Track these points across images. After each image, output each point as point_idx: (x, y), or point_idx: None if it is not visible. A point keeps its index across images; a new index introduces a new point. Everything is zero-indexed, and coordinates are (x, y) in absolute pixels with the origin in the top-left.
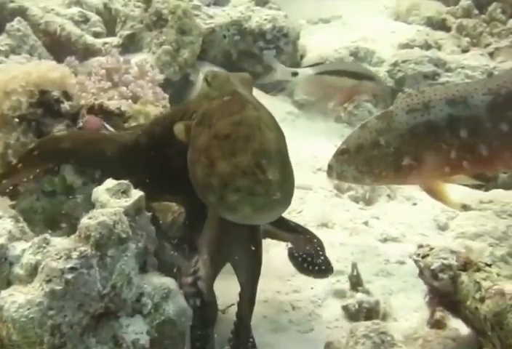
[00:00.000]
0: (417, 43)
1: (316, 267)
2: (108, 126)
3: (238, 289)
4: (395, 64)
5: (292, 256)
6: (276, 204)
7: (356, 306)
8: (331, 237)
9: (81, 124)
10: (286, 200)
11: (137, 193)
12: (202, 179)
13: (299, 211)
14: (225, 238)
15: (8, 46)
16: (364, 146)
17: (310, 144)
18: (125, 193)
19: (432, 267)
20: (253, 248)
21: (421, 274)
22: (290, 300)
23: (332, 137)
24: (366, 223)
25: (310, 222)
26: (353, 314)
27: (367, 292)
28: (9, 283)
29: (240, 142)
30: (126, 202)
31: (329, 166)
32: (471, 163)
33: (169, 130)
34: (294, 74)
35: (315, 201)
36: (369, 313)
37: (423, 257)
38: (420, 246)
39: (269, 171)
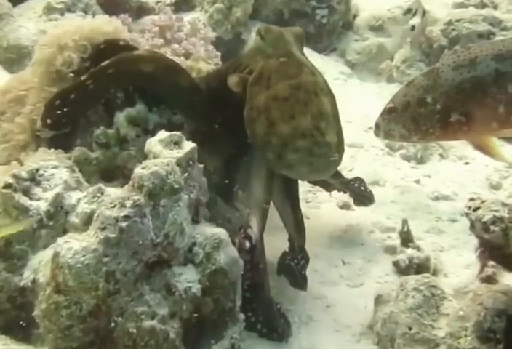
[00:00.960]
0: (471, 2)
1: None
2: None
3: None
4: (449, 23)
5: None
6: (332, 164)
7: (407, 261)
8: (382, 194)
9: None
10: (340, 159)
11: (189, 145)
12: (262, 137)
13: (350, 169)
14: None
15: (63, 4)
16: (411, 104)
17: (362, 103)
18: (177, 144)
19: (483, 220)
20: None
21: (472, 227)
22: (340, 255)
23: (384, 97)
24: (417, 181)
25: None
26: (404, 269)
27: (418, 248)
28: (64, 232)
29: (299, 106)
30: (179, 153)
31: (376, 125)
32: None
33: (223, 81)
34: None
35: (366, 159)
36: (420, 268)
37: (474, 209)
38: (471, 199)
39: (327, 134)
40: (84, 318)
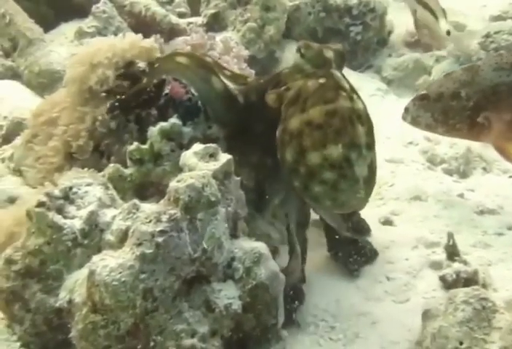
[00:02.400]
0: (509, 14)
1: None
2: (193, 90)
3: None
4: (487, 35)
5: None
6: (357, 201)
7: (454, 276)
8: (424, 209)
9: (166, 91)
10: (368, 197)
11: (225, 157)
12: (290, 164)
13: (390, 184)
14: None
15: (94, 28)
16: (445, 95)
17: (400, 119)
18: (213, 156)
19: None
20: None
21: None
22: (384, 271)
23: None
24: (461, 195)
25: (403, 195)
26: (451, 284)
27: (464, 262)
28: (100, 250)
29: (331, 134)
30: (215, 165)
31: (406, 109)
32: None
33: (261, 95)
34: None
35: (407, 174)
36: (468, 282)
37: None
38: None
39: (356, 166)
40: (123, 338)
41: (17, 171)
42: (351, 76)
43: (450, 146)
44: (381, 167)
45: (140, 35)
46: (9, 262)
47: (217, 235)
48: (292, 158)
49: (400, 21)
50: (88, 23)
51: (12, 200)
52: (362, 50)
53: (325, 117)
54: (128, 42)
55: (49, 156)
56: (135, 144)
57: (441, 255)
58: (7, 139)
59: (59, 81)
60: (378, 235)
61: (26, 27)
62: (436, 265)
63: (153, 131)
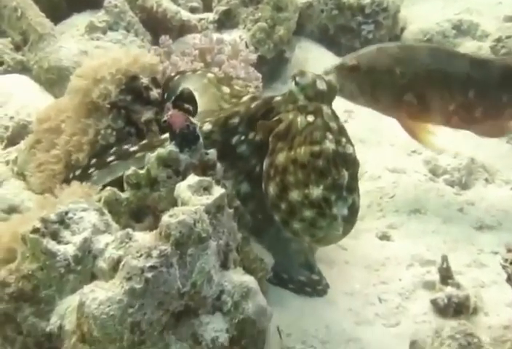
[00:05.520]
0: None
1: None
2: (193, 120)
3: None
4: (498, 40)
5: None
6: (335, 238)
7: (445, 300)
8: (423, 224)
9: (165, 118)
10: (347, 233)
11: (218, 191)
12: (273, 199)
13: (391, 196)
14: None
15: (105, 23)
16: (377, 69)
17: None
18: (207, 189)
19: None
20: None
21: (509, 280)
22: (377, 292)
23: None
24: (460, 210)
25: (403, 207)
26: (442, 308)
27: (457, 286)
28: (93, 276)
29: (314, 175)
30: (208, 199)
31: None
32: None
33: (250, 122)
34: None
35: (408, 186)
36: (459, 307)
37: (511, 263)
38: (509, 251)
39: (335, 207)
40: None
41: (21, 175)
42: None
43: (454, 156)
44: (383, 177)
45: (144, 50)
46: (3, 284)
47: (206, 269)
48: (275, 193)
49: (414, 17)
50: (99, 18)
51: (12, 209)
52: None
53: (310, 157)
54: (132, 57)
55: (51, 163)
56: (132, 169)
57: (435, 276)
58: (12, 141)
59: (67, 77)
60: (374, 252)
61: (37, 22)
62: (429, 286)
63: (151, 157)
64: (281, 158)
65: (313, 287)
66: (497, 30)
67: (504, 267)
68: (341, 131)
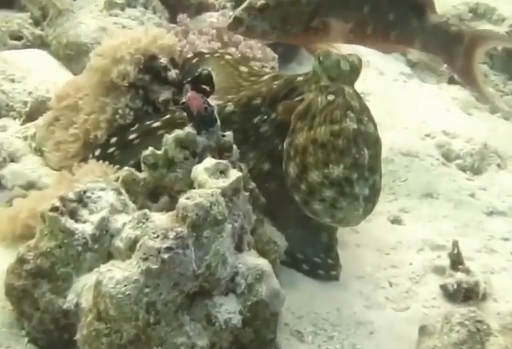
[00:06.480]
0: None
1: None
2: (211, 102)
3: None
4: None
5: None
6: (355, 218)
7: (455, 286)
8: (435, 208)
9: (183, 100)
10: (367, 214)
11: (235, 174)
12: (293, 179)
13: (403, 179)
14: None
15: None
16: (284, 2)
17: (421, 107)
18: (223, 172)
19: None
20: None
21: None
22: (388, 276)
23: (444, 100)
24: (472, 195)
25: (415, 191)
26: (452, 294)
27: (467, 271)
28: (109, 255)
29: (334, 154)
30: (224, 183)
31: (238, 19)
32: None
33: (272, 102)
34: None
35: (420, 170)
36: (468, 293)
37: None
38: None
39: (357, 186)
40: (124, 347)
41: (39, 151)
42: (376, 59)
43: (467, 141)
44: (396, 161)
45: (163, 30)
46: (22, 261)
47: (221, 251)
48: (295, 173)
49: None
50: None
51: (30, 185)
52: None
53: (330, 137)
54: (151, 36)
55: (69, 142)
56: (150, 149)
57: (445, 260)
58: (31, 116)
59: (85, 54)
60: (386, 235)
61: None
62: (439, 271)
63: (168, 138)
64: (300, 138)
65: (327, 271)
66: None
67: None
68: (363, 110)
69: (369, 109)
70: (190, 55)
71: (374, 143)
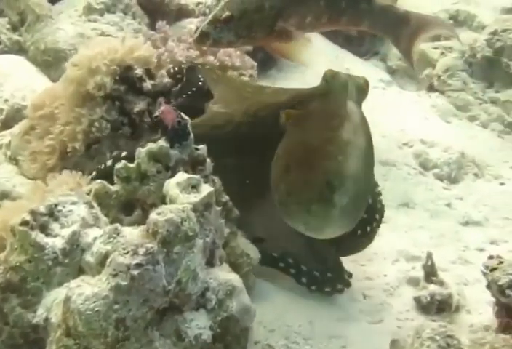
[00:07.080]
0: None
1: None
2: (184, 115)
3: None
4: (494, 33)
5: None
6: (329, 228)
7: (428, 298)
8: (411, 218)
9: (157, 113)
10: (345, 228)
11: (206, 189)
12: (275, 179)
13: (380, 188)
14: None
15: (103, 5)
16: (248, 10)
17: (399, 115)
18: (195, 187)
19: (499, 283)
20: None
21: (488, 287)
22: (362, 288)
23: (423, 107)
24: (448, 205)
25: (391, 201)
26: (425, 306)
27: (441, 283)
28: (80, 270)
29: (321, 160)
30: (196, 198)
31: (204, 34)
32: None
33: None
34: None
35: (397, 179)
36: (442, 305)
37: (491, 270)
38: (491, 257)
39: (337, 194)
40: None
41: (14, 160)
42: (356, 65)
43: (444, 150)
44: (374, 170)
45: (140, 40)
46: None
47: (192, 267)
48: (278, 174)
49: (412, 5)
50: None
51: (4, 195)
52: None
53: (320, 143)
54: (128, 47)
55: (45, 153)
56: (123, 162)
57: (420, 272)
58: (6, 124)
59: (63, 60)
60: None
61: (35, 3)
62: (413, 282)
63: (141, 152)
64: (291, 140)
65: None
66: (493, 23)
67: (484, 274)
68: (361, 126)
69: (369, 128)
70: (183, 65)
71: (365, 158)
